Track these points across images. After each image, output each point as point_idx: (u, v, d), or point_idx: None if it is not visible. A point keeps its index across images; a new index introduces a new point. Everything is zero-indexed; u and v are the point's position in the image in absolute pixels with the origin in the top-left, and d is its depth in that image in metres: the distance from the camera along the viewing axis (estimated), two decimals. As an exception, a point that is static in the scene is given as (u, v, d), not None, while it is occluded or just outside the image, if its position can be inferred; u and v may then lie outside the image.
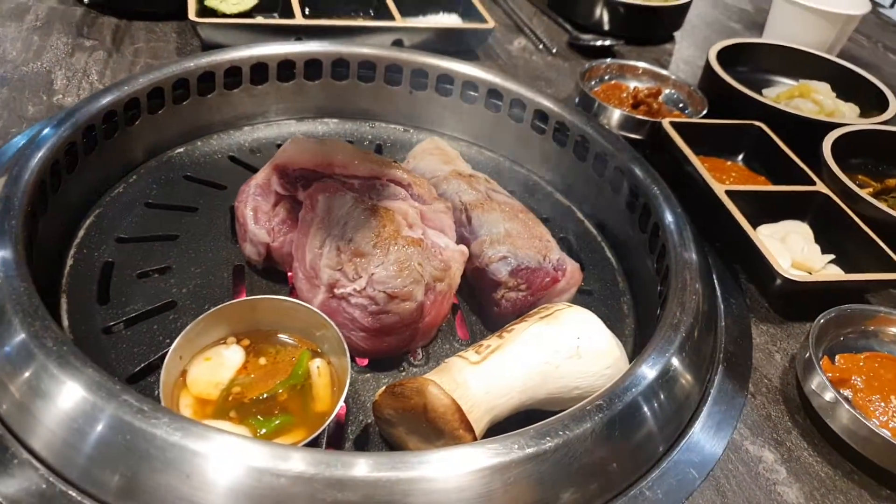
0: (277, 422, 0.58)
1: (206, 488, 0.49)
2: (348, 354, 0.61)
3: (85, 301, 0.71)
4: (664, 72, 1.13)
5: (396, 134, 1.03)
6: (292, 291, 0.73)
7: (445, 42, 1.13)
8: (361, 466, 0.50)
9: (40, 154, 0.71)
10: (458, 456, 0.51)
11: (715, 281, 0.79)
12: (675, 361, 0.63)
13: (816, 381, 0.66)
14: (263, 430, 0.57)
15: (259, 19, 1.12)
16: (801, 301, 0.78)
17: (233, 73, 0.94)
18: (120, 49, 1.03)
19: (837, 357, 0.69)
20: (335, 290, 0.65)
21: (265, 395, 0.60)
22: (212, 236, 0.80)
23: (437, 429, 0.56)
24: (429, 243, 0.69)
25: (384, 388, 0.60)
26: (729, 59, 1.13)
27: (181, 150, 0.92)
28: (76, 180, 0.78)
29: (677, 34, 1.41)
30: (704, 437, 0.62)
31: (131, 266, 0.75)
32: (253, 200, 0.73)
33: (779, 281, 0.74)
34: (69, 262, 0.74)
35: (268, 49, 0.96)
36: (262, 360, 0.63)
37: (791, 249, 0.82)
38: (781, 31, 1.32)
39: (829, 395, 0.64)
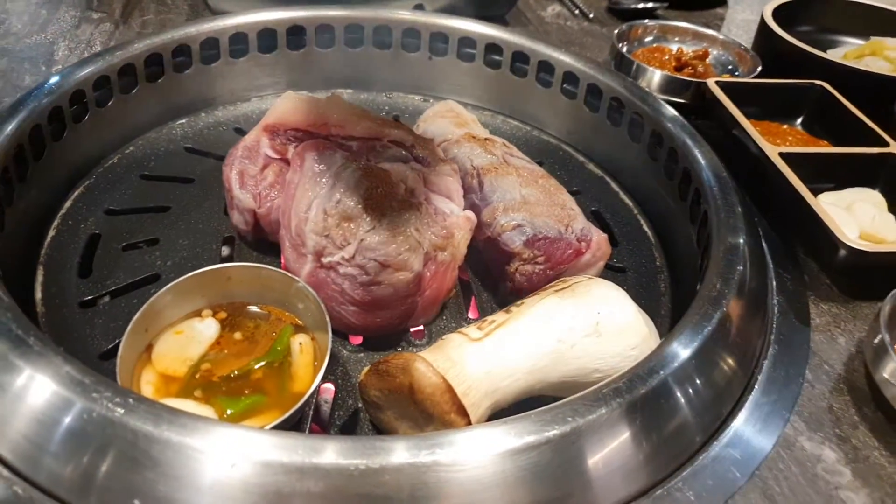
0: (248, 402, 0.51)
1: (166, 478, 0.42)
2: (330, 330, 0.54)
3: (64, 273, 0.65)
4: (712, 32, 1.02)
5: (414, 104, 0.95)
6: (284, 265, 0.67)
7: (470, 7, 1.05)
8: (328, 453, 0.42)
9: (19, 118, 0.67)
10: (433, 443, 0.43)
11: (766, 253, 0.69)
12: (714, 340, 0.53)
13: (891, 368, 0.55)
14: (230, 411, 0.50)
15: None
16: (869, 277, 0.67)
17: (239, 41, 0.88)
18: (128, 21, 0.99)
19: (915, 340, 0.58)
20: (322, 259, 0.58)
21: (236, 373, 0.53)
22: (205, 208, 0.74)
23: (426, 412, 0.48)
24: (430, 209, 0.61)
25: (369, 366, 0.52)
26: (787, 19, 1.01)
27: (183, 121, 0.87)
28: (64, 149, 0.73)
29: (730, -1, 1.29)
30: (750, 431, 0.52)
31: (118, 238, 0.70)
32: (240, 163, 0.66)
33: (843, 252, 0.63)
34: (51, 233, 0.69)
35: (276, 14, 0.90)
36: (238, 335, 0.56)
37: (859, 219, 0.70)
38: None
39: (904, 383, 0.53)
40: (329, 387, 0.58)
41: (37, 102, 0.69)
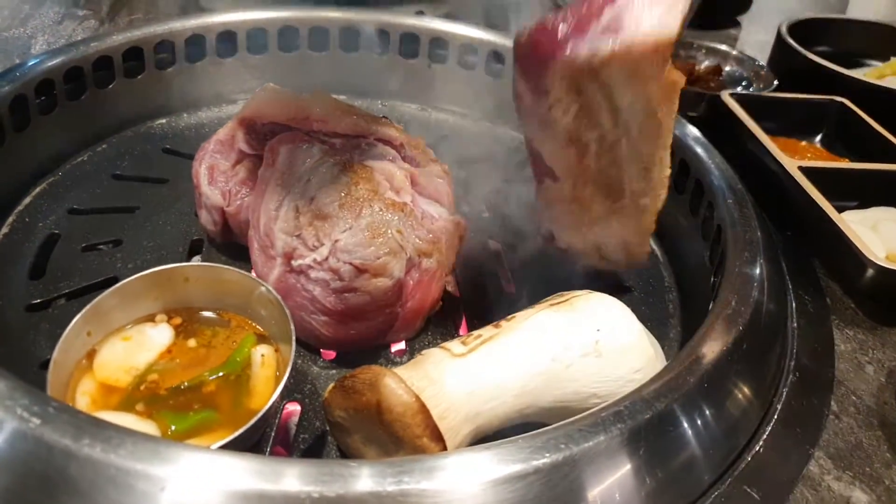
0: (196, 418, 0.45)
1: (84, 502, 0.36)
2: (294, 341, 0.48)
3: (13, 274, 0.60)
4: (725, 47, 0.97)
5: (412, 112, 0.90)
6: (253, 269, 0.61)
7: (472, 14, 1.00)
8: (277, 477, 0.36)
9: (-26, 102, 0.62)
10: (401, 470, 0.36)
11: (785, 273, 0.63)
12: (728, 363, 0.47)
13: (926, 400, 0.49)
14: (174, 428, 0.44)
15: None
16: (898, 302, 0.61)
17: (227, 39, 0.84)
18: (114, 20, 0.95)
19: (954, 371, 0.52)
20: (292, 262, 0.52)
21: (186, 385, 0.47)
22: (175, 210, 0.68)
23: (395, 436, 0.42)
24: (417, 211, 0.55)
25: (335, 382, 0.46)
26: (804, 39, 0.96)
27: (163, 121, 0.82)
28: (27, 141, 0.68)
29: (743, 19, 1.25)
30: (769, 467, 0.46)
31: (78, 239, 0.64)
32: (210, 158, 0.61)
33: (870, 272, 0.57)
34: (3, 230, 0.64)
35: (267, 13, 0.86)
36: (193, 343, 0.50)
37: (885, 238, 0.64)
38: (867, 6, 1.14)
39: (945, 419, 0.46)
40: (296, 407, 0.52)
41: (-2, 88, 0.64)
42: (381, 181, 0.55)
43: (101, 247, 0.64)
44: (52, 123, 0.71)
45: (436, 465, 0.37)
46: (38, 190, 0.69)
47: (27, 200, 0.67)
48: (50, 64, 0.70)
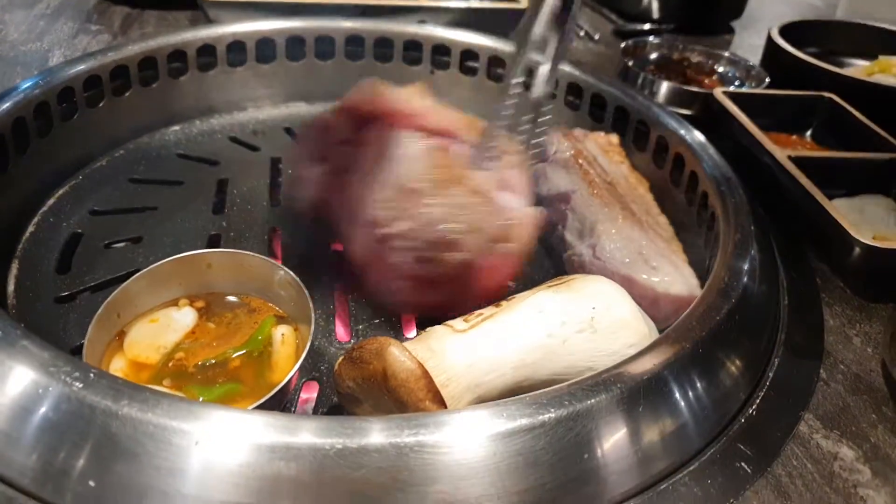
0: (222, 390, 0.48)
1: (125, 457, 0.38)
2: (313, 320, 0.51)
3: (40, 269, 0.63)
4: (718, 50, 1.01)
5: (415, 117, 0.94)
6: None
7: (473, 23, 1.04)
8: (301, 431, 0.39)
9: (3, 107, 0.65)
10: (417, 423, 0.39)
11: (777, 256, 0.65)
12: (722, 331, 0.50)
13: (910, 366, 0.51)
14: (201, 399, 0.47)
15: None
16: (885, 279, 0.63)
17: (237, 49, 0.87)
18: (126, 34, 0.99)
19: (937, 340, 0.55)
20: (378, 231, 0.56)
21: (212, 361, 0.50)
22: (192, 208, 0.71)
23: (400, 401, 0.44)
24: (498, 200, 0.59)
25: (343, 353, 0.48)
26: (794, 40, 1.00)
27: (177, 127, 0.85)
28: (50, 146, 0.71)
29: (736, 24, 1.29)
30: (761, 427, 0.48)
31: (100, 237, 0.67)
32: (308, 143, 0.64)
33: (857, 251, 0.60)
34: (30, 228, 0.67)
35: (274, 24, 0.89)
36: (216, 325, 0.53)
37: (872, 222, 0.67)
38: (856, 7, 1.18)
39: (928, 381, 0.49)
40: (314, 384, 0.55)
41: (22, 95, 0.67)
42: (466, 169, 0.58)
43: (123, 244, 0.67)
44: (73, 129, 0.74)
45: (449, 420, 0.40)
46: (60, 192, 0.72)
47: (50, 202, 0.70)
48: (70, 72, 0.73)
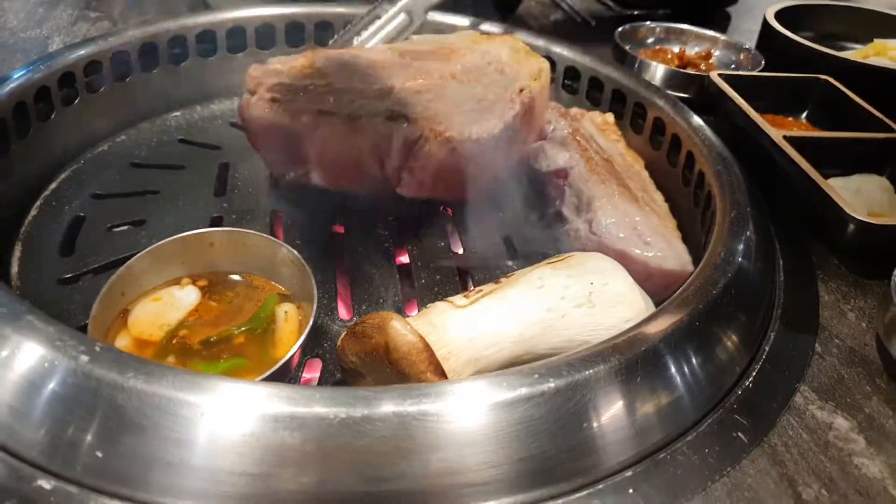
0: (226, 365, 0.48)
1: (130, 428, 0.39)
2: (315, 296, 0.51)
3: (44, 251, 0.64)
4: (714, 33, 1.01)
5: (413, 102, 0.94)
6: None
7: (459, 6, 1.04)
8: (306, 401, 0.39)
9: (3, 91, 0.66)
10: (420, 393, 0.40)
11: (773, 233, 0.66)
12: (716, 307, 0.50)
13: (904, 339, 0.52)
14: (202, 372, 0.47)
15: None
16: (878, 255, 0.64)
17: (236, 35, 0.88)
18: (126, 21, 0.99)
19: (930, 313, 0.55)
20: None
21: (216, 338, 0.50)
22: (194, 192, 0.72)
23: (402, 373, 0.45)
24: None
25: (346, 329, 0.49)
26: (789, 24, 1.00)
27: (178, 113, 0.86)
28: (51, 131, 0.72)
29: (732, 10, 1.29)
30: (757, 398, 0.49)
31: (103, 221, 0.68)
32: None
33: (851, 227, 0.61)
34: (33, 212, 0.67)
35: (273, 10, 0.90)
36: (219, 303, 0.54)
37: (867, 201, 0.68)
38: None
39: (921, 353, 0.50)
40: (317, 361, 0.55)
41: (23, 80, 0.68)
42: None
43: (126, 226, 0.67)
44: (74, 114, 0.74)
45: (450, 389, 0.41)
46: (62, 176, 0.72)
47: (53, 186, 0.71)
48: (71, 57, 0.73)
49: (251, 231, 0.55)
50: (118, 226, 0.67)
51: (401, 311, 0.60)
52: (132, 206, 0.70)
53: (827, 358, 0.54)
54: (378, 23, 0.72)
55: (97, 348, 0.41)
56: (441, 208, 0.73)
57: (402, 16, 0.71)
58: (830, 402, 0.50)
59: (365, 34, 0.76)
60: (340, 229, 0.70)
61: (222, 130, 0.84)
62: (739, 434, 0.46)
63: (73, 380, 0.40)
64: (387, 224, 0.69)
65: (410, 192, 0.64)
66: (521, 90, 0.65)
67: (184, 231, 0.65)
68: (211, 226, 0.67)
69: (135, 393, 0.39)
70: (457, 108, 0.62)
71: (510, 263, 0.66)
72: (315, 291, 0.51)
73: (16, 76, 0.68)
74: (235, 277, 0.56)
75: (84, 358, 0.41)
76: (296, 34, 0.91)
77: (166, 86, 0.84)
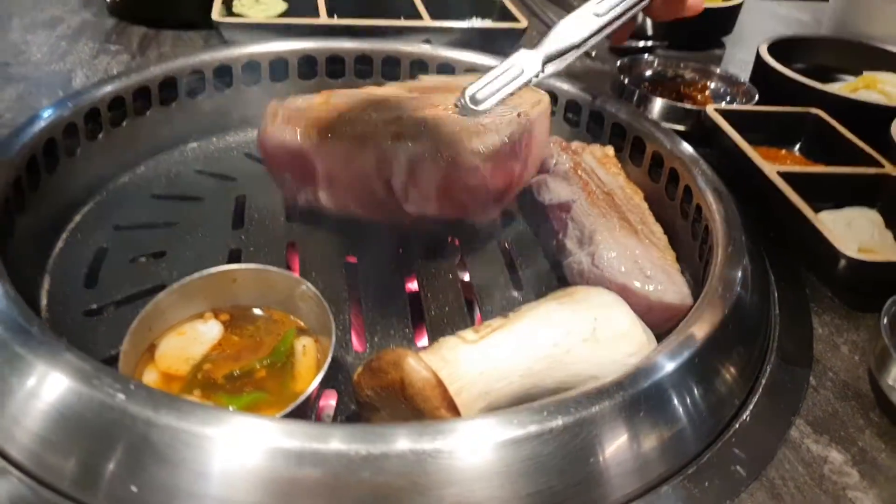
0: (249, 398, 0.51)
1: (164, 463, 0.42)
2: (333, 331, 0.54)
3: (70, 283, 0.66)
4: (710, 67, 1.04)
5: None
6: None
7: (476, 43, 1.08)
8: (327, 438, 0.42)
9: (34, 130, 0.69)
10: (436, 430, 0.43)
11: (768, 267, 0.69)
12: (717, 340, 0.53)
13: (895, 374, 0.55)
14: (232, 408, 0.50)
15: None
16: (871, 290, 0.67)
17: (251, 69, 0.91)
18: (145, 53, 1.02)
19: (920, 348, 0.58)
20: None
21: (238, 372, 0.53)
22: (212, 224, 0.75)
23: (416, 408, 0.47)
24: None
25: (362, 364, 0.52)
26: (782, 56, 1.03)
27: (195, 144, 0.89)
28: (77, 165, 0.75)
29: (727, 40, 1.33)
30: (755, 432, 0.52)
31: (125, 252, 0.70)
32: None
33: (843, 263, 0.64)
34: (59, 244, 0.70)
35: (287, 45, 0.93)
36: (240, 337, 0.56)
37: (858, 235, 0.71)
38: (841, 24, 1.21)
39: (910, 388, 0.53)
40: (332, 393, 0.58)
41: (53, 117, 0.71)
42: None
43: (147, 258, 0.70)
44: (97, 148, 0.77)
45: (464, 427, 0.44)
46: (86, 209, 0.75)
47: (77, 219, 0.74)
48: (98, 94, 0.76)
49: (273, 268, 0.58)
50: (139, 257, 0.70)
51: (411, 342, 0.63)
52: (153, 237, 0.73)
53: (821, 391, 0.57)
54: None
55: (132, 386, 0.44)
56: (449, 239, 0.76)
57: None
58: (825, 436, 0.52)
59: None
60: (353, 259, 0.72)
61: (237, 162, 0.87)
62: (738, 468, 0.49)
63: (110, 416, 0.43)
64: (397, 255, 0.72)
65: (417, 209, 0.67)
66: (520, 114, 0.68)
67: (203, 264, 0.67)
68: (230, 258, 0.70)
69: (168, 430, 0.42)
70: (459, 128, 0.66)
71: (515, 294, 0.69)
72: (333, 327, 0.54)
73: (46, 114, 0.71)
74: (256, 311, 0.59)
75: (121, 396, 0.43)
76: (308, 68, 0.94)
77: (184, 118, 0.87)
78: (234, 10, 1.08)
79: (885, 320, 0.57)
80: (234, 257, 0.70)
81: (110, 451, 0.42)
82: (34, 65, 0.95)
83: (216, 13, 1.02)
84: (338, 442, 0.42)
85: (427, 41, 1.07)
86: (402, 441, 0.42)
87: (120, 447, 0.42)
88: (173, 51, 1.05)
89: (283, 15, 1.11)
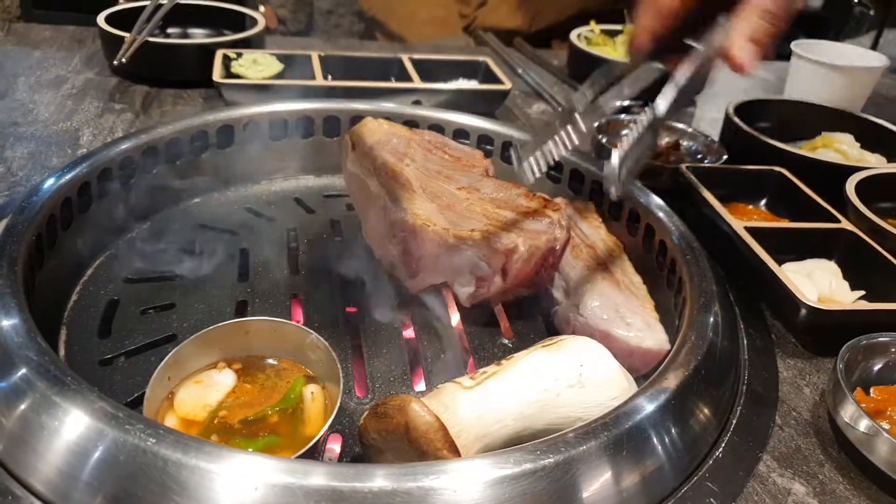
0: (263, 442, 0.55)
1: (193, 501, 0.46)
2: (341, 379, 0.58)
3: (85, 334, 0.70)
4: (682, 126, 1.12)
5: (412, 188, 1.03)
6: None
7: (464, 104, 1.15)
8: (319, 476, 0.46)
9: (54, 188, 0.73)
10: (432, 470, 0.47)
11: (737, 315, 0.75)
12: (692, 384, 0.58)
13: (850, 412, 0.60)
14: (249, 450, 0.54)
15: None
16: (830, 335, 0.73)
17: (252, 128, 0.96)
18: (147, 111, 1.07)
19: (872, 389, 0.64)
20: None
21: (252, 418, 0.57)
22: (217, 276, 0.79)
23: (420, 451, 0.52)
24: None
25: (367, 409, 0.56)
26: (748, 116, 1.11)
27: (198, 200, 0.94)
28: (89, 221, 0.79)
29: (697, 98, 1.41)
30: (726, 467, 0.57)
31: (135, 303, 0.75)
32: None
33: (804, 311, 0.70)
34: (73, 297, 0.74)
35: (286, 105, 0.99)
36: (253, 385, 0.61)
37: (818, 285, 0.77)
38: (800, 89, 1.31)
39: (864, 425, 0.58)
40: (337, 437, 0.62)
41: (69, 177, 0.75)
42: None
43: (157, 309, 0.74)
44: (108, 205, 0.82)
45: (464, 466, 0.48)
46: (98, 262, 0.79)
47: (90, 272, 0.78)
48: (110, 154, 0.81)
49: (282, 320, 0.63)
50: (150, 309, 0.74)
51: (410, 388, 0.67)
52: (161, 289, 0.77)
53: (786, 429, 0.62)
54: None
55: (161, 431, 0.48)
56: (443, 291, 0.81)
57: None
58: (789, 470, 0.58)
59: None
60: (353, 309, 0.77)
61: (237, 217, 0.92)
62: (711, 500, 0.54)
63: (143, 458, 0.47)
64: (394, 304, 0.77)
65: (415, 286, 0.74)
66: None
67: (211, 315, 0.73)
68: (237, 309, 0.74)
69: (197, 470, 0.46)
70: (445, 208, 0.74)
71: (506, 341, 0.74)
72: (341, 375, 0.58)
73: (63, 174, 0.75)
74: (267, 361, 0.63)
75: (151, 440, 0.47)
76: (307, 127, 1.00)
77: (188, 175, 0.92)
78: (233, 70, 1.14)
79: (841, 365, 0.63)
80: (242, 308, 0.75)
81: (145, 492, 0.46)
82: (42, 124, 1.00)
83: (217, 74, 1.08)
84: (355, 480, 0.46)
85: (417, 102, 1.14)
86: (409, 479, 0.47)
87: (153, 488, 0.46)
88: (174, 108, 1.11)
89: (280, 76, 1.17)
